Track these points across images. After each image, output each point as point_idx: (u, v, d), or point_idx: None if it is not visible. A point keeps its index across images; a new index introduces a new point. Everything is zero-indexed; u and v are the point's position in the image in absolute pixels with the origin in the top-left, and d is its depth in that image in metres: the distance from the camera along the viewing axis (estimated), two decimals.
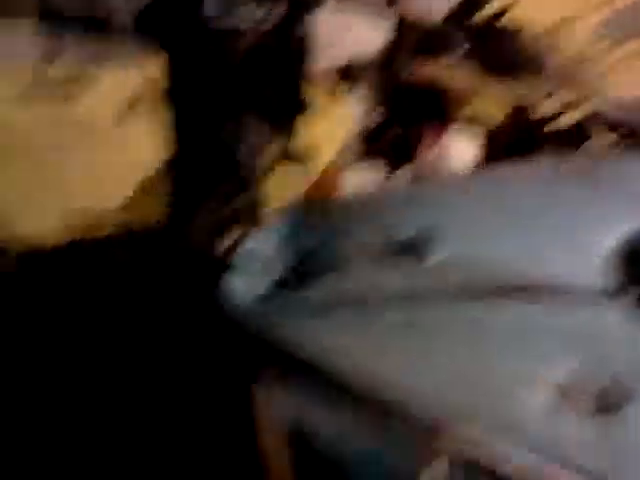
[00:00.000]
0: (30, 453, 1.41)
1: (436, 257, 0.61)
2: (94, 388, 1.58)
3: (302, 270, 0.79)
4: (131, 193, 1.94)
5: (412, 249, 0.60)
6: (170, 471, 1.38)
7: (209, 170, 0.59)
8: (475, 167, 2.27)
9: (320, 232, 0.83)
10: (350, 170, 2.22)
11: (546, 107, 2.26)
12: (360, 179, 2.23)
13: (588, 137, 2.40)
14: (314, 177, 2.12)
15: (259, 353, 0.68)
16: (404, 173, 2.24)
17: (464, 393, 0.56)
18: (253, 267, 0.80)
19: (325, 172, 2.15)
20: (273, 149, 0.57)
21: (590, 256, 0.67)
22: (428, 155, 2.29)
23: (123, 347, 1.71)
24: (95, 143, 1.84)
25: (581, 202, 0.78)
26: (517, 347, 0.58)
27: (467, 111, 2.39)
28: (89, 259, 1.98)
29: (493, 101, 2.36)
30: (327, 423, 0.66)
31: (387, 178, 2.25)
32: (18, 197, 1.85)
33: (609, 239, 0.70)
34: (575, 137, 2.38)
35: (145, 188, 1.93)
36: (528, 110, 2.22)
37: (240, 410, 1.03)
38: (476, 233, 0.72)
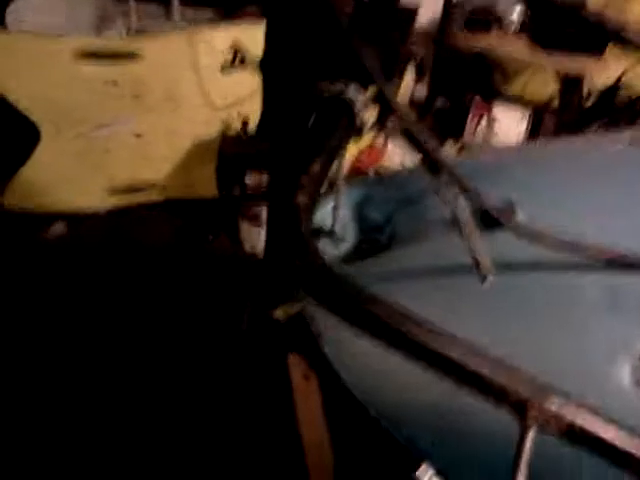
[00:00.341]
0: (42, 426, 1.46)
1: (521, 226, 0.59)
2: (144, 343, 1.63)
3: (378, 239, 0.79)
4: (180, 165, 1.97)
5: (492, 218, 0.59)
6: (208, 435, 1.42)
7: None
8: (524, 142, 2.23)
9: (392, 203, 0.82)
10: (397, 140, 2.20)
11: (599, 82, 2.20)
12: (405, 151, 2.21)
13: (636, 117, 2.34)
14: (362, 147, 2.12)
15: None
16: (452, 145, 2.23)
17: (551, 364, 0.56)
18: (327, 235, 0.79)
19: (372, 142, 2.15)
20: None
21: None
22: (476, 128, 2.27)
23: (165, 309, 1.75)
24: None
25: None
26: (605, 317, 0.59)
27: (518, 85, 2.35)
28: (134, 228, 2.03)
29: (545, 75, 2.31)
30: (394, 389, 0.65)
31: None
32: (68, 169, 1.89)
33: None
34: (628, 114, 2.33)
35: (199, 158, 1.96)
36: (580, 85, 2.16)
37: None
38: (559, 204, 0.71)
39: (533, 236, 0.57)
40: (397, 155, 2.15)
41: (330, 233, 0.73)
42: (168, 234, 2.02)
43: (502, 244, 0.64)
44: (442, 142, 2.28)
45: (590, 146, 0.92)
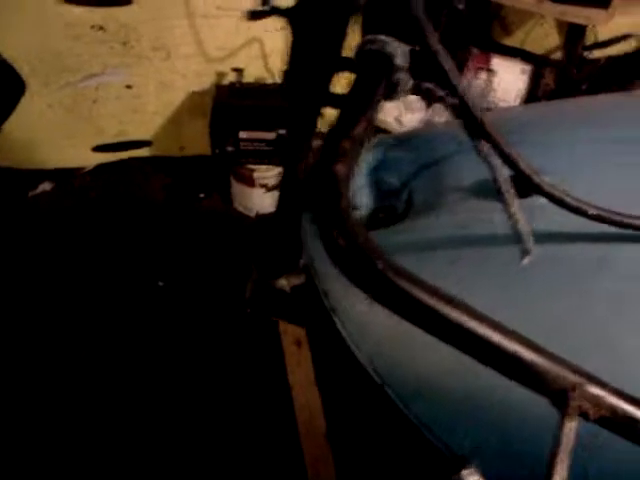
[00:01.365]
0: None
1: (557, 193, 0.55)
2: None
3: (395, 206, 0.75)
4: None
5: (526, 185, 0.55)
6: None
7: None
8: (525, 98, 2.18)
9: (409, 166, 0.78)
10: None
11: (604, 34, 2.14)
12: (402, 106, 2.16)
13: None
14: None
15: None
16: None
17: (583, 342, 0.54)
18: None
19: None
20: None
21: None
22: (474, 81, 2.21)
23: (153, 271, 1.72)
24: None
25: None
26: (635, 291, 0.56)
27: (518, 37, 2.28)
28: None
29: (547, 26, 2.24)
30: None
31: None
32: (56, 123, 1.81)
33: None
34: (628, 70, 2.28)
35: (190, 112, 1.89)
36: (583, 37, 2.10)
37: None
38: (582, 170, 0.67)
39: (566, 203, 0.53)
40: (394, 109, 2.10)
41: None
42: (158, 192, 1.97)
43: (532, 213, 0.61)
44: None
45: (616, 104, 0.88)
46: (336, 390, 0.96)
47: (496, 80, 2.20)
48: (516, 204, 0.50)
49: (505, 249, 0.60)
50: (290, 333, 1.13)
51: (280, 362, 1.11)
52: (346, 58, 0.58)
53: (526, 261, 0.51)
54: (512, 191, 0.51)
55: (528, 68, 2.21)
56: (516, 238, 0.51)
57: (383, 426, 0.76)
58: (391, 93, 0.51)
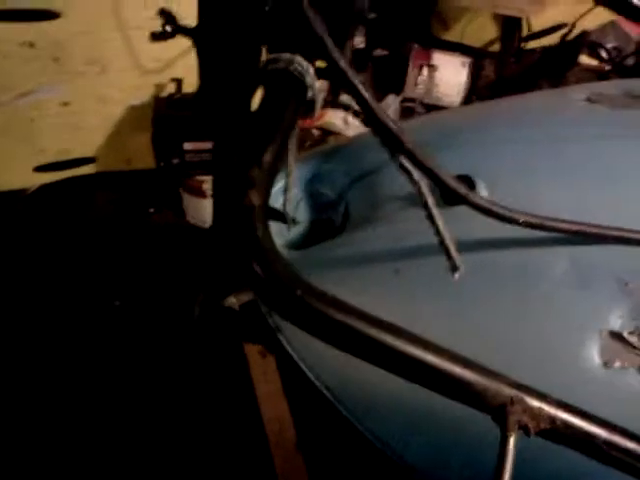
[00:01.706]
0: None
1: (482, 202, 0.55)
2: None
3: (332, 219, 0.75)
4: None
5: (452, 194, 0.55)
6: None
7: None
8: (467, 91, 2.21)
9: (344, 177, 0.77)
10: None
11: (537, 24, 2.19)
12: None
13: (575, 59, 2.35)
14: None
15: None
16: (393, 100, 2.18)
17: (518, 348, 0.54)
18: (278, 218, 0.74)
19: None
20: None
21: None
22: (417, 79, 2.22)
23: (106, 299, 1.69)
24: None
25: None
26: (572, 294, 0.56)
27: (456, 31, 2.30)
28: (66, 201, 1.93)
29: (483, 19, 2.28)
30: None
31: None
32: None
33: None
34: (563, 59, 2.33)
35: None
36: (519, 28, 2.14)
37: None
38: (521, 170, 0.67)
39: (495, 213, 0.53)
40: (339, 114, 2.10)
41: (281, 216, 0.68)
42: (106, 209, 1.92)
43: (461, 221, 0.61)
44: (383, 96, 2.23)
45: (548, 103, 0.89)
46: (304, 399, 0.95)
47: (438, 75, 2.23)
48: (440, 218, 0.50)
49: (442, 259, 0.60)
50: (253, 345, 1.12)
51: (246, 374, 1.09)
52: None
53: (456, 277, 0.51)
54: (434, 206, 0.51)
55: (468, 61, 2.24)
56: (447, 256, 0.51)
57: (346, 437, 0.75)
58: (308, 111, 0.51)
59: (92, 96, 1.77)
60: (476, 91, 2.24)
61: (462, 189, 0.52)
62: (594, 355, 0.53)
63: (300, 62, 0.46)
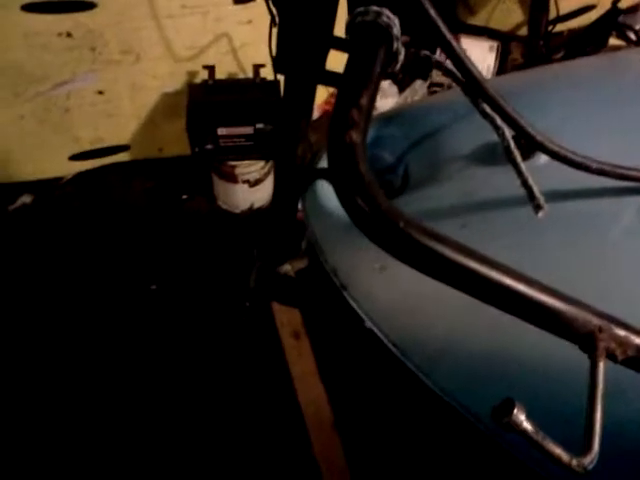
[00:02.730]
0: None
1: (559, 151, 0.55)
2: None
3: (391, 181, 0.75)
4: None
5: (528, 146, 0.56)
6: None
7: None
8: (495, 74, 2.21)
9: (402, 141, 0.78)
10: None
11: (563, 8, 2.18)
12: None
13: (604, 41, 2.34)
14: (333, 89, 2.06)
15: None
16: (421, 85, 2.18)
17: (592, 294, 0.55)
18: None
19: None
20: None
21: None
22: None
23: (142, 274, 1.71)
24: None
25: None
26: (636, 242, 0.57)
27: (482, 15, 2.30)
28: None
29: (509, 3, 2.27)
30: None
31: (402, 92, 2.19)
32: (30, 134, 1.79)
33: None
34: (591, 41, 2.32)
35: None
36: (547, 11, 2.13)
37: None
38: (587, 132, 0.68)
39: (570, 159, 0.55)
40: None
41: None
42: (140, 196, 1.95)
43: (536, 173, 0.62)
44: (410, 82, 2.23)
45: (606, 66, 0.89)
46: (341, 378, 0.96)
47: None
48: (521, 161, 0.52)
49: (514, 210, 0.61)
50: (287, 325, 1.13)
51: (280, 356, 1.11)
52: (337, 37, 0.59)
53: (541, 215, 0.52)
54: (517, 150, 0.52)
55: (495, 45, 2.24)
56: (526, 196, 0.52)
57: (395, 403, 0.76)
58: (391, 63, 0.52)
59: (126, 84, 1.80)
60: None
61: (540, 136, 0.54)
62: None
63: (388, 14, 0.48)
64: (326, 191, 0.74)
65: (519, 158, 0.50)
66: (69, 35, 1.66)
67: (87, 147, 1.89)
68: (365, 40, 0.47)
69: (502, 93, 0.81)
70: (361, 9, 0.48)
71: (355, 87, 0.44)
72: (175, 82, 1.84)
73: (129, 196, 1.94)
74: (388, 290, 0.64)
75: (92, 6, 1.65)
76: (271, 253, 0.87)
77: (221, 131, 1.72)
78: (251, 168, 1.82)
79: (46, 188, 1.89)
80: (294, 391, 1.12)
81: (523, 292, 0.39)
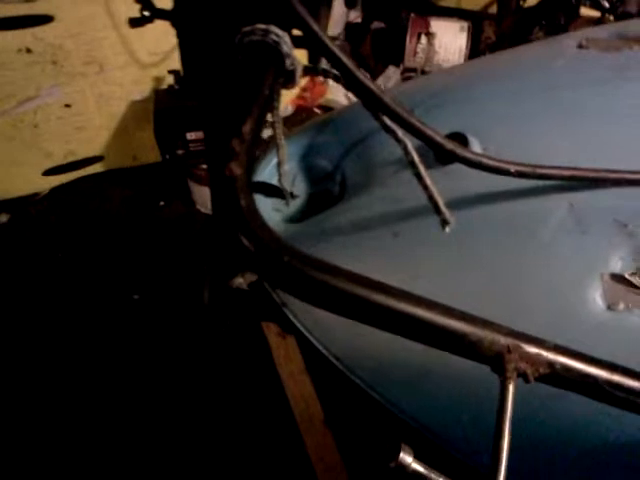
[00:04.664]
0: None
1: (474, 157, 0.54)
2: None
3: (330, 190, 0.74)
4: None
5: (445, 152, 0.54)
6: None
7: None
8: (466, 55, 2.17)
9: (338, 147, 0.77)
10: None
11: None
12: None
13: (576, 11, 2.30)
14: (302, 84, 2.04)
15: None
16: (394, 71, 2.16)
17: (521, 297, 0.54)
18: (276, 193, 0.74)
19: (313, 78, 2.07)
20: None
21: None
22: (416, 48, 2.20)
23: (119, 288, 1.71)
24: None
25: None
26: (572, 239, 0.55)
27: None
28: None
29: None
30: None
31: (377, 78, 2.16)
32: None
33: None
34: (563, 12, 2.28)
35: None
36: None
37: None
38: (516, 121, 0.66)
39: (485, 165, 0.53)
40: (341, 90, 2.08)
41: (279, 191, 0.68)
42: (118, 206, 1.94)
43: (456, 179, 0.60)
44: (383, 68, 2.21)
45: (539, 54, 0.87)
46: (327, 375, 0.96)
47: (437, 42, 2.20)
48: (426, 173, 0.50)
49: (430, 218, 0.59)
50: (272, 325, 1.13)
51: (268, 356, 1.10)
52: None
53: (447, 230, 0.50)
54: (420, 163, 0.51)
55: (466, 25, 2.21)
56: (437, 212, 0.50)
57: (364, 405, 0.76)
58: (289, 81, 0.51)
59: (93, 95, 1.79)
60: (478, 54, 2.21)
61: (449, 144, 0.52)
62: (598, 299, 0.53)
63: (275, 32, 0.46)
64: (261, 202, 0.73)
65: (423, 171, 0.49)
66: (29, 51, 1.64)
67: (60, 161, 1.88)
68: (252, 61, 0.46)
69: (437, 91, 0.80)
70: (247, 28, 0.46)
71: (238, 114, 0.43)
72: (142, 89, 1.83)
73: (106, 206, 1.93)
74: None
75: (49, 19, 1.63)
76: (221, 266, 0.86)
77: (190, 135, 1.71)
78: None
79: (22, 205, 1.88)
80: (283, 390, 1.12)
81: (422, 316, 0.37)
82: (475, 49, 2.22)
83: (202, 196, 1.91)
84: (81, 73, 1.74)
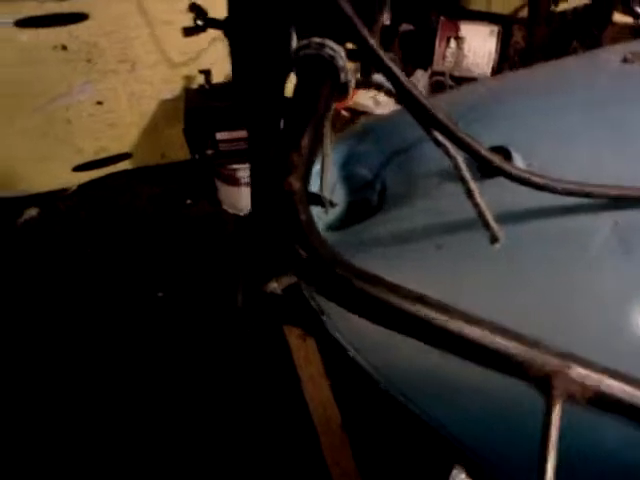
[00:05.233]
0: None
1: (519, 173, 0.54)
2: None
3: (369, 199, 0.74)
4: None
5: (489, 167, 0.54)
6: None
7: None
8: (496, 60, 2.16)
9: (380, 155, 0.77)
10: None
11: None
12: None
13: (608, 18, 2.28)
14: None
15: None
16: (422, 75, 2.15)
17: (566, 319, 0.53)
18: (315, 201, 0.74)
19: None
20: None
21: None
22: (445, 51, 2.19)
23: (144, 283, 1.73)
24: None
25: None
26: (617, 261, 0.55)
27: (484, 0, 2.25)
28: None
29: None
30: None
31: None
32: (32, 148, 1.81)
33: None
34: (595, 19, 2.26)
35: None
36: None
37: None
38: (561, 136, 0.66)
39: (532, 182, 0.53)
40: (368, 94, 2.09)
41: (318, 199, 0.68)
42: (145, 203, 1.96)
43: (502, 193, 0.60)
44: (412, 71, 2.20)
45: (582, 68, 0.86)
46: (347, 380, 0.96)
47: (466, 46, 2.19)
48: (477, 189, 0.50)
49: (484, 232, 0.59)
50: (294, 328, 1.14)
51: (288, 358, 1.11)
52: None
53: (497, 247, 0.50)
54: (471, 178, 0.51)
55: (496, 29, 2.20)
56: (486, 227, 0.50)
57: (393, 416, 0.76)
58: (342, 93, 0.51)
59: (125, 93, 1.81)
60: (507, 59, 2.20)
61: (497, 160, 0.52)
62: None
63: (331, 45, 0.47)
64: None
65: (474, 187, 0.49)
66: (64, 48, 1.67)
67: (90, 157, 1.90)
68: (308, 75, 0.46)
69: (473, 104, 0.80)
70: (304, 42, 0.47)
71: (296, 127, 0.43)
72: (173, 88, 1.85)
73: (134, 204, 1.96)
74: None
75: (85, 17, 1.65)
76: (255, 270, 0.87)
77: (220, 135, 1.72)
78: None
79: (51, 200, 1.91)
80: (302, 393, 1.12)
81: (471, 335, 0.37)
82: (504, 54, 2.21)
83: (229, 196, 1.92)
84: (113, 71, 1.76)
